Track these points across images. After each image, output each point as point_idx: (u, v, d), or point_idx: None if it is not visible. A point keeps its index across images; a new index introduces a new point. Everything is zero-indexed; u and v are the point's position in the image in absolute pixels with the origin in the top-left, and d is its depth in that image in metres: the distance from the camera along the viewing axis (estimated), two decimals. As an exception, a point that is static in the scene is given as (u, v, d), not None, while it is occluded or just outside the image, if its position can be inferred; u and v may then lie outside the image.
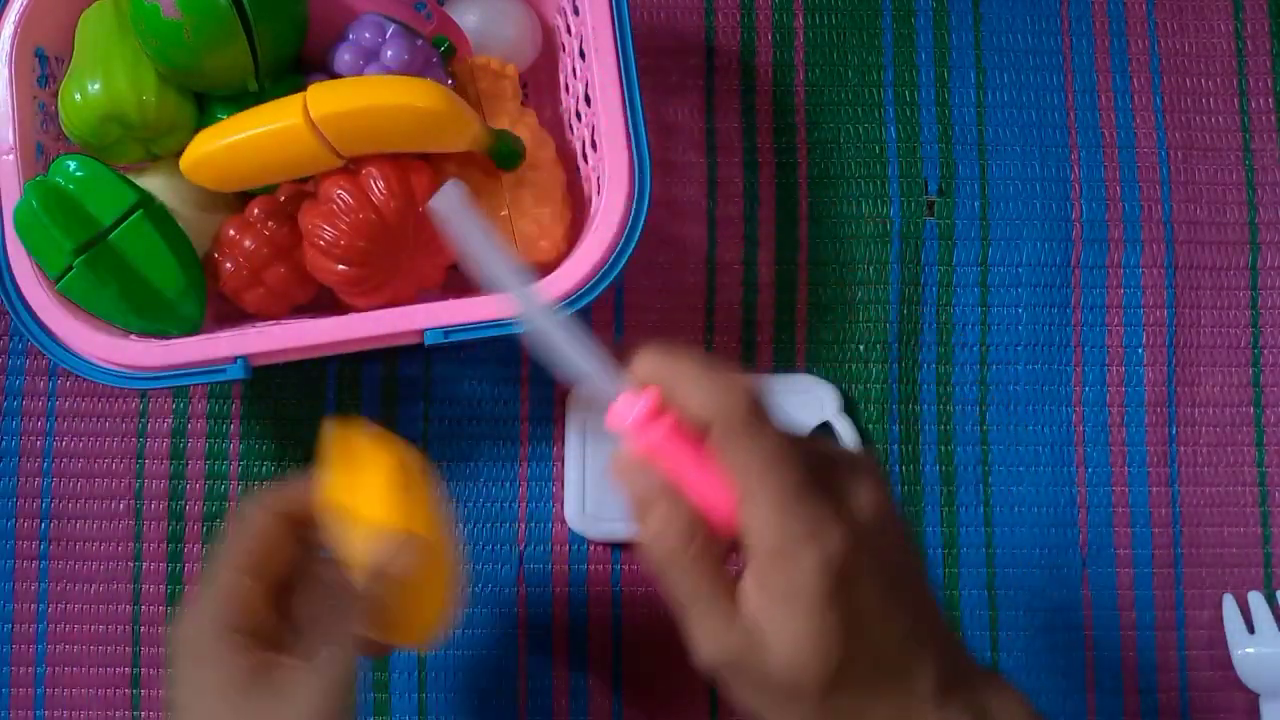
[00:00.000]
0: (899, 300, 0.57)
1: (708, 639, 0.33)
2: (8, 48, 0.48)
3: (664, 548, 0.33)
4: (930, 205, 0.58)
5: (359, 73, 0.49)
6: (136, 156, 0.50)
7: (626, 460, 0.34)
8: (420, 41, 0.50)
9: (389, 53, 0.49)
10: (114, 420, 0.56)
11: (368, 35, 0.49)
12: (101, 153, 0.49)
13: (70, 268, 0.47)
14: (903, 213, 0.57)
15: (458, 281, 0.53)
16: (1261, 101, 0.58)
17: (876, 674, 0.33)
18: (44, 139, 0.49)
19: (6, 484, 0.56)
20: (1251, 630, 0.54)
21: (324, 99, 0.46)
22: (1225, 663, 0.54)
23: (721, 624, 0.33)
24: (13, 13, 0.49)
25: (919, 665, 0.33)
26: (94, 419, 0.56)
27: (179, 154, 0.49)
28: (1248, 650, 0.54)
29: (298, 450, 0.56)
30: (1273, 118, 0.58)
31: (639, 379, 0.34)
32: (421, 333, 0.46)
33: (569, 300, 0.47)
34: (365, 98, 0.46)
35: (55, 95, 0.50)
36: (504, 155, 0.50)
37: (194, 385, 0.56)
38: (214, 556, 0.41)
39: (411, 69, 0.49)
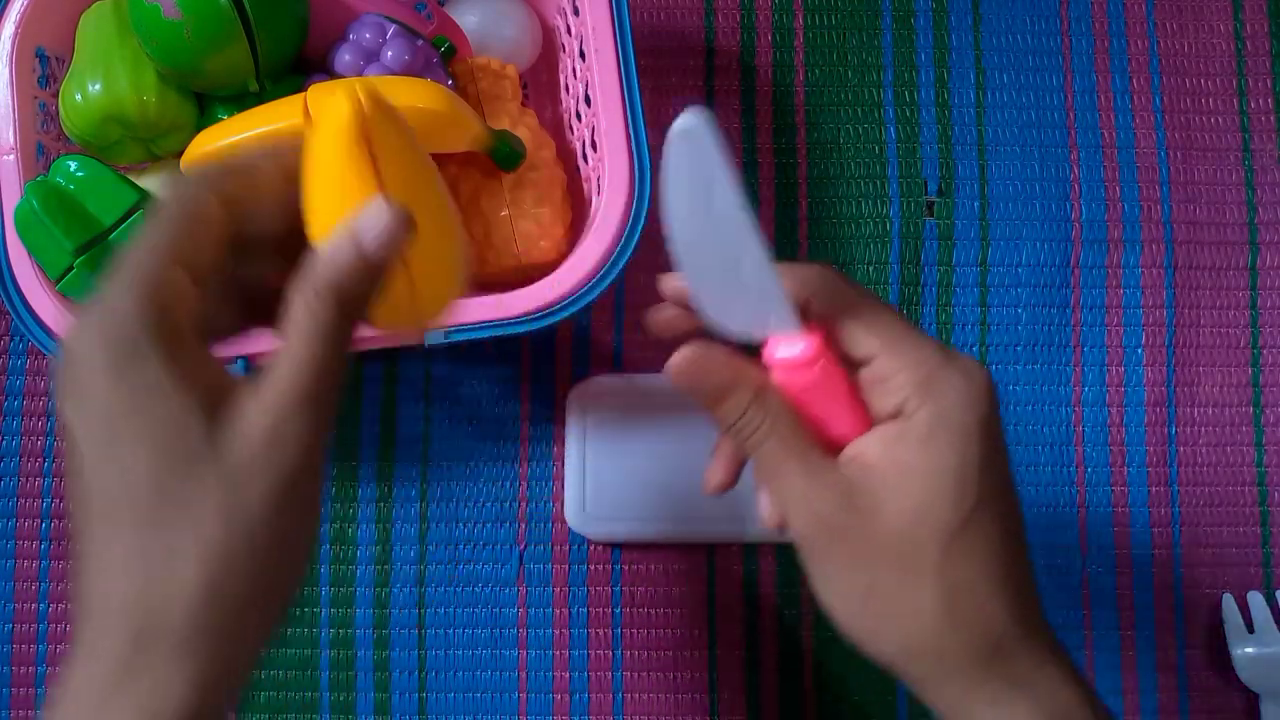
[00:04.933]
0: (899, 300, 0.57)
1: (802, 503, 0.32)
2: (8, 48, 0.48)
3: (747, 425, 0.32)
4: (930, 205, 0.58)
5: (359, 73, 0.49)
6: (137, 157, 0.50)
7: (690, 359, 0.33)
8: (420, 42, 0.50)
9: (389, 53, 0.49)
10: (114, 420, 0.56)
11: (368, 36, 0.49)
12: (102, 153, 0.49)
13: (71, 268, 0.47)
14: (902, 213, 0.57)
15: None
16: (1261, 101, 0.58)
17: (998, 552, 0.31)
18: (44, 139, 0.49)
19: (6, 484, 0.56)
20: (1251, 630, 0.54)
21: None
22: (1225, 663, 0.54)
23: (817, 485, 0.32)
24: (13, 13, 0.49)
25: (1029, 575, 0.32)
26: (94, 419, 0.56)
27: (179, 154, 0.49)
28: (1247, 650, 0.54)
29: (298, 450, 0.56)
30: (1272, 118, 0.58)
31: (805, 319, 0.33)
32: (421, 333, 0.46)
33: (569, 300, 0.47)
34: None
35: (56, 95, 0.50)
36: (504, 156, 0.50)
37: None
38: (121, 251, 0.29)
39: (412, 70, 0.49)
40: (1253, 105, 0.58)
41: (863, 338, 0.32)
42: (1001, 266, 0.57)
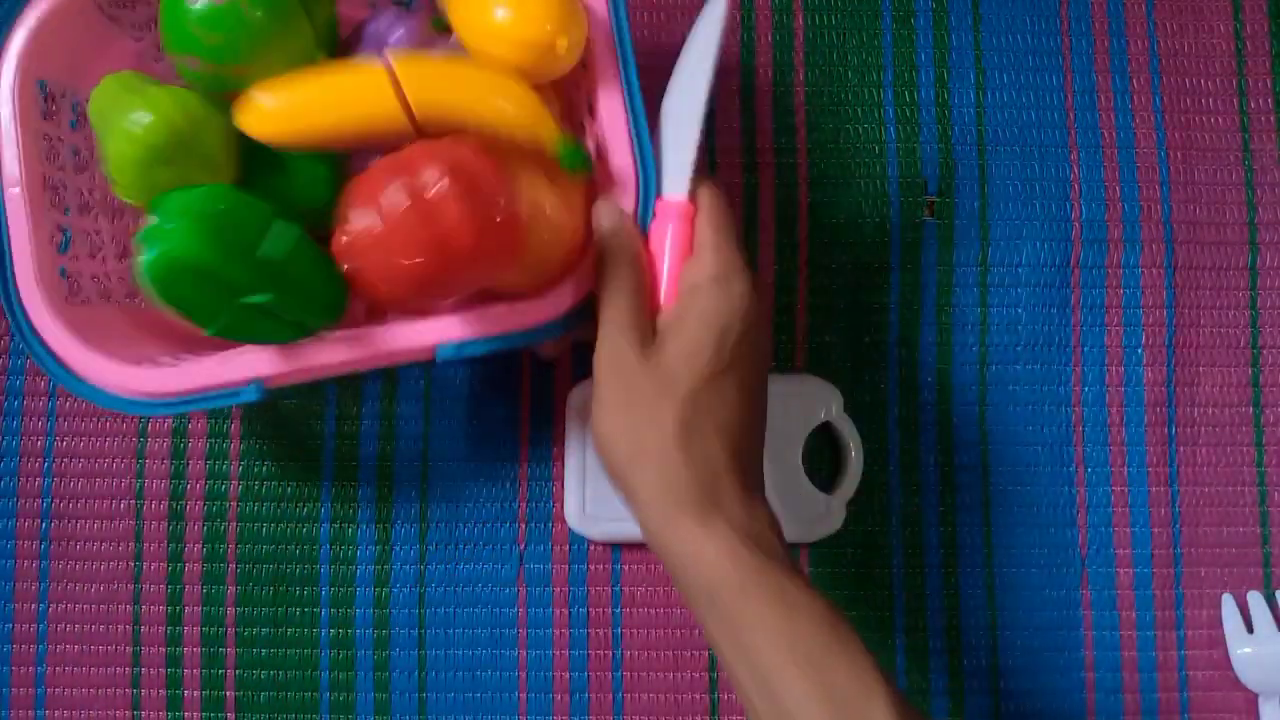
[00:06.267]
0: (899, 300, 0.57)
1: (621, 314, 0.42)
2: (11, 81, 0.46)
3: (614, 232, 0.44)
4: (930, 205, 0.58)
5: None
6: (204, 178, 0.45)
7: (606, 203, 0.45)
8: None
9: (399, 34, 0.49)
10: (114, 420, 0.56)
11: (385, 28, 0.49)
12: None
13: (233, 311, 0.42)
14: (902, 213, 0.57)
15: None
16: (1261, 101, 0.59)
17: (733, 412, 0.41)
18: (50, 171, 0.47)
19: (6, 484, 0.56)
20: (1250, 630, 0.54)
21: (420, 84, 0.43)
22: (1224, 662, 0.54)
23: (638, 309, 0.42)
24: (15, 46, 0.47)
25: (754, 437, 0.43)
26: (95, 419, 0.56)
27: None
28: (1246, 650, 0.54)
29: (298, 450, 0.56)
30: (1272, 118, 0.58)
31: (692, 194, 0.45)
32: (434, 349, 0.45)
33: (577, 308, 0.46)
34: (466, 93, 0.44)
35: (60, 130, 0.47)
36: (573, 157, 0.47)
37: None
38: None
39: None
40: (1253, 105, 0.58)
41: (707, 232, 0.44)
42: (1001, 266, 0.57)
